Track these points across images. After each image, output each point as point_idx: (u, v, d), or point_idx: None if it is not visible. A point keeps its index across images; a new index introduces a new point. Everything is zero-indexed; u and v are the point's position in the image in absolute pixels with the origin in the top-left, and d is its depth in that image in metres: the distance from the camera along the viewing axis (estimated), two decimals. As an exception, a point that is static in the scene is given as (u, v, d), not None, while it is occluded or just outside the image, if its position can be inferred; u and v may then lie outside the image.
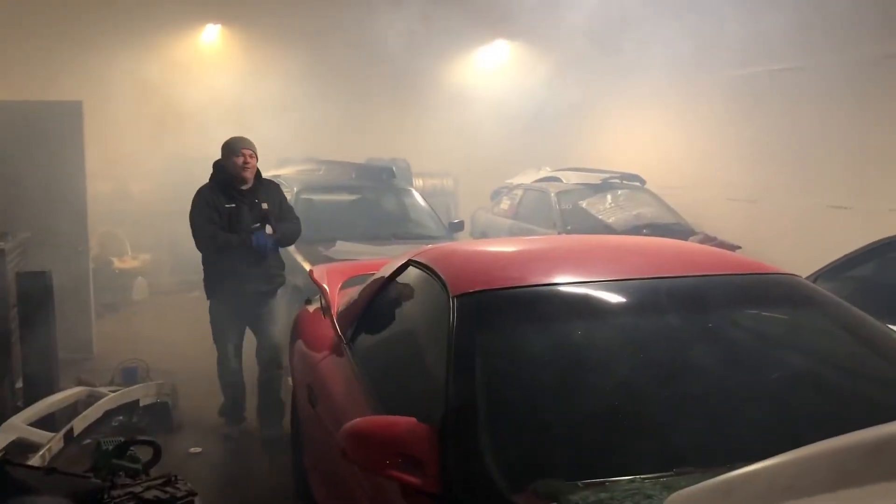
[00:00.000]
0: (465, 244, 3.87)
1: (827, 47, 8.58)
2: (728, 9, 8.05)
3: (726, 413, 2.09)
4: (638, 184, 9.61)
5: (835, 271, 4.49)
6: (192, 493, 3.25)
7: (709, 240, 8.42)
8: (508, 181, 10.90)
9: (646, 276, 2.52)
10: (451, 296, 2.42)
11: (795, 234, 8.46)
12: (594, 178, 9.53)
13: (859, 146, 8.22)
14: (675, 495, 1.30)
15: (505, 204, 10.37)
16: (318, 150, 10.40)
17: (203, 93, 11.40)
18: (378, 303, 3.08)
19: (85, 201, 6.72)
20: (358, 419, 2.07)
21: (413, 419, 2.09)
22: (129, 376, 5.38)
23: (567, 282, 2.48)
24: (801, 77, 8.96)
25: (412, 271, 2.93)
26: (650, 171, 10.07)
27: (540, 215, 9.15)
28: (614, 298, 2.43)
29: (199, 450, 4.69)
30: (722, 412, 2.09)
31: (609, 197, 9.04)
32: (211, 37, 13.45)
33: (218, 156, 5.19)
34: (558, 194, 9.22)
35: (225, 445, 4.85)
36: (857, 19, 7.61)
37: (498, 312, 2.36)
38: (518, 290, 2.44)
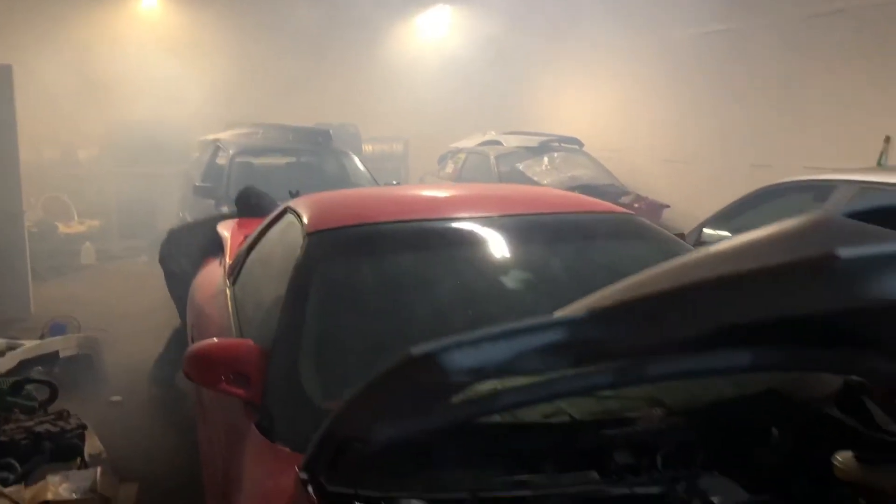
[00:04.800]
0: (343, 192, 4.06)
1: (757, 9, 8.82)
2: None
3: None
4: (576, 146, 9.85)
5: (719, 218, 4.79)
6: (82, 426, 3.48)
7: (639, 199, 8.70)
8: (453, 145, 11.08)
9: (485, 215, 2.73)
10: (304, 233, 2.64)
11: (721, 192, 8.73)
12: (533, 142, 9.75)
13: (783, 106, 8.49)
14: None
15: (449, 167, 10.56)
16: (265, 116, 10.51)
17: (144, 58, 11.43)
18: (257, 246, 3.29)
19: (17, 165, 6.82)
20: (199, 342, 2.29)
21: (249, 341, 2.31)
22: (58, 332, 5.53)
23: (406, 220, 2.69)
24: (732, 38, 9.19)
25: (287, 217, 3.13)
26: (589, 135, 10.30)
27: (480, 178, 9.36)
28: (447, 234, 2.64)
29: (119, 398, 4.88)
30: None
31: (546, 159, 9.26)
32: (150, 2, 13.35)
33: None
34: (497, 157, 9.43)
35: (148, 395, 5.05)
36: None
37: (340, 247, 2.57)
38: (359, 227, 2.64)
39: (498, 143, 10.18)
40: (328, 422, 1.54)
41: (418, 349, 1.15)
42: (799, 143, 8.13)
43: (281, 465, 1.83)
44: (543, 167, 9.10)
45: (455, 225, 2.66)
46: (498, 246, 2.60)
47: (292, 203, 3.20)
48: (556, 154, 9.41)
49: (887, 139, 6.62)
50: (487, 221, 2.70)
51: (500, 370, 1.17)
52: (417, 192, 3.39)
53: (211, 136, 9.28)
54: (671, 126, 10.30)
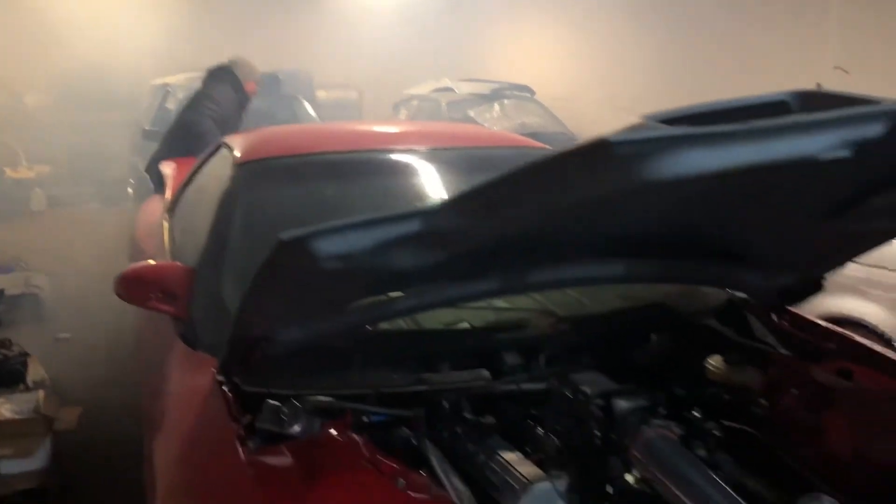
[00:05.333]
0: (278, 128, 4.17)
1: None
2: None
3: None
4: (527, 94, 9.97)
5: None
6: (24, 354, 3.60)
7: (587, 146, 8.87)
8: (406, 92, 11.13)
9: (410, 147, 2.88)
10: (234, 164, 2.77)
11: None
12: (485, 89, 9.85)
13: (738, 52, 8.68)
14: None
15: (402, 114, 10.63)
16: (216, 61, 10.39)
17: (92, 1, 11.20)
18: (193, 180, 3.41)
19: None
20: (131, 265, 2.42)
21: (177, 263, 2.46)
22: (4, 272, 5.59)
23: (329, 151, 2.84)
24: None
25: (221, 151, 3.25)
26: (541, 82, 10.42)
27: (432, 124, 9.47)
28: (367, 164, 2.78)
29: (67, 335, 4.99)
30: None
31: (497, 106, 9.39)
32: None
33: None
34: (449, 104, 9.52)
35: (95, 332, 5.16)
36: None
37: (266, 176, 2.70)
38: (286, 158, 2.78)
39: (451, 90, 10.25)
40: (233, 323, 1.69)
41: (287, 234, 1.30)
42: (739, 88, 8.34)
43: (202, 370, 1.99)
44: (494, 114, 9.23)
45: (376, 156, 2.81)
46: (421, 176, 2.75)
47: (227, 138, 3.31)
48: (506, 101, 9.53)
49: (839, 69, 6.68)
50: (411, 153, 2.85)
51: (366, 257, 1.33)
52: (347, 126, 3.52)
53: (160, 81, 9.21)
54: (622, 74, 10.46)
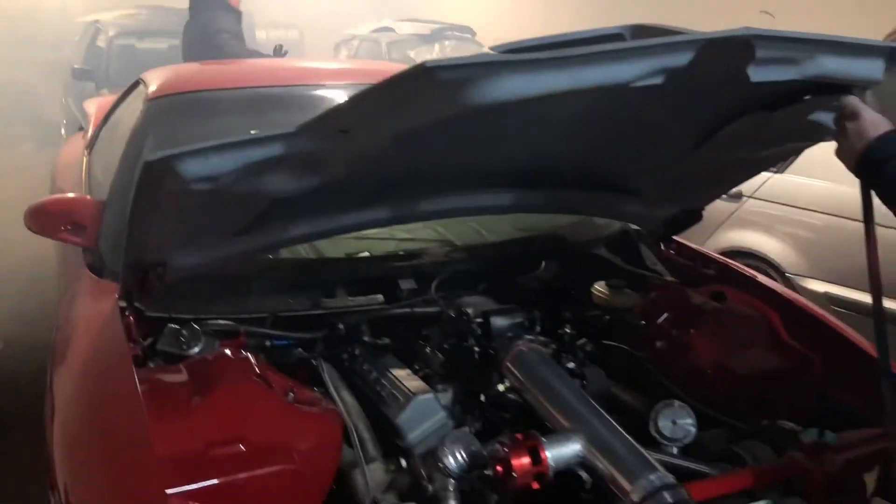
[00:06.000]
0: (195, 64, 4.16)
1: None
2: None
3: None
4: (468, 35, 9.96)
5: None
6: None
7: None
8: (347, 31, 11.00)
9: (319, 83, 2.93)
10: (146, 99, 2.80)
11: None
12: (426, 29, 9.81)
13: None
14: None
15: (343, 54, 10.53)
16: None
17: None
18: (111, 116, 3.43)
19: None
20: (41, 199, 2.46)
21: (87, 197, 2.51)
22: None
23: (240, 87, 2.88)
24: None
25: (138, 87, 3.26)
26: (482, 23, 10.40)
27: (372, 65, 9.42)
28: (275, 99, 2.83)
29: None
30: None
31: (437, 47, 9.38)
32: None
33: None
34: (389, 44, 9.47)
35: (20, 272, 5.14)
36: None
37: (176, 111, 2.74)
38: (196, 93, 2.82)
39: (392, 30, 10.17)
40: (124, 248, 1.76)
41: (152, 156, 1.37)
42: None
43: (105, 297, 2.06)
44: (434, 55, 9.21)
45: (289, 92, 2.86)
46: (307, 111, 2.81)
47: (144, 74, 3.31)
48: (447, 42, 9.52)
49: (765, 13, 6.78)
50: (325, 89, 2.90)
51: (235, 180, 1.41)
52: (263, 63, 3.56)
53: (91, 18, 8.97)
54: (563, 16, 10.47)
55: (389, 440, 1.82)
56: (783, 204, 3.51)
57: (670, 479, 1.41)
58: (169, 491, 1.37)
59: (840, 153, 1.41)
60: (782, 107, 1.53)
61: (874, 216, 1.47)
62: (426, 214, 2.04)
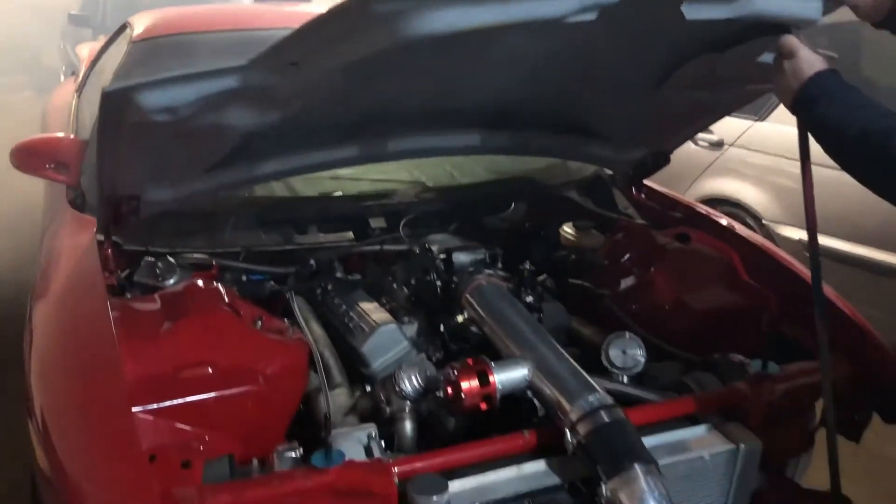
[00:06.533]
0: (186, 8, 4.18)
1: None
2: None
3: None
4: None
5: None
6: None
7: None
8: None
9: (281, 27, 2.95)
10: (130, 41, 2.84)
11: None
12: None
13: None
14: None
15: None
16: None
17: None
18: (100, 59, 3.47)
19: None
20: (26, 138, 2.53)
21: (70, 136, 2.56)
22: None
23: (224, 29, 2.91)
24: None
25: (126, 30, 3.29)
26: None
27: None
28: (257, 43, 2.85)
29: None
30: None
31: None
32: None
33: None
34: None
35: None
36: None
37: (156, 53, 2.77)
38: (178, 35, 2.85)
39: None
40: (97, 181, 1.81)
41: (111, 86, 1.43)
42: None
43: (84, 231, 2.12)
44: None
45: (268, 35, 2.87)
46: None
47: (132, 17, 3.34)
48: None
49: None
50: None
51: (195, 111, 1.46)
52: (251, 7, 3.58)
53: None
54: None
55: (357, 369, 1.91)
56: (761, 152, 3.55)
57: (609, 400, 1.49)
58: (135, 409, 1.45)
59: (777, 91, 1.45)
60: (729, 48, 1.58)
61: (810, 154, 1.52)
62: (394, 154, 2.09)
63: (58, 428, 1.41)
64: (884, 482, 2.86)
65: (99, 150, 1.66)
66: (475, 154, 2.25)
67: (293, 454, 1.48)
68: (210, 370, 1.60)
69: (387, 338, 1.88)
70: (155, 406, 1.50)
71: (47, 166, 2.44)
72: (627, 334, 1.83)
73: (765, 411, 1.68)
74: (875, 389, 1.83)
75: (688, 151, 3.88)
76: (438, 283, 1.96)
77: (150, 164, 1.79)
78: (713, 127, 3.84)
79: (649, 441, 1.53)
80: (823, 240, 3.28)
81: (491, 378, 1.56)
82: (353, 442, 1.55)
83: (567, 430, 1.46)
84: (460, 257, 1.97)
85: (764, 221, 3.48)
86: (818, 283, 1.58)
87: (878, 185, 1.33)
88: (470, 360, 1.59)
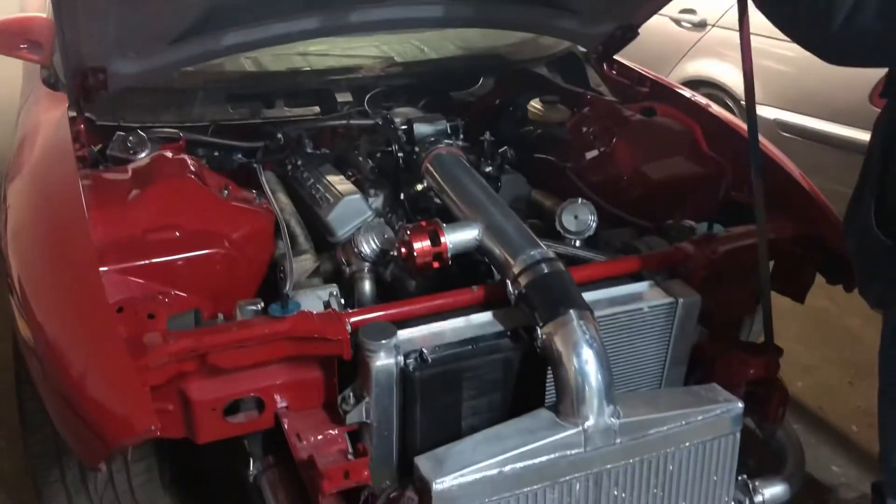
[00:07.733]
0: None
1: None
2: None
3: None
4: None
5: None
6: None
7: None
8: None
9: None
10: None
11: None
12: None
13: None
14: None
15: None
16: None
17: None
18: None
19: None
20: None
21: (42, 15, 2.56)
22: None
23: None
24: None
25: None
26: None
27: None
28: None
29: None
30: None
31: None
32: None
33: None
34: None
35: None
36: None
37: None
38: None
39: None
40: (61, 52, 1.83)
41: None
42: None
43: (56, 107, 2.15)
44: None
45: None
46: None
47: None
48: None
49: None
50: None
51: None
52: None
53: None
54: None
55: (325, 239, 1.98)
56: (734, 30, 3.52)
57: (550, 254, 1.56)
58: (103, 268, 1.52)
59: None
60: None
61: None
62: (357, 26, 2.10)
63: (34, 294, 1.48)
64: (843, 351, 2.99)
65: (56, 19, 1.68)
66: (439, 27, 2.26)
67: (255, 307, 1.56)
68: (176, 233, 1.68)
69: (351, 207, 1.95)
70: (122, 265, 1.59)
71: (21, 46, 2.45)
72: (580, 200, 1.89)
73: (707, 269, 1.75)
74: (819, 250, 1.90)
75: (670, 32, 3.86)
76: (400, 154, 2.01)
77: (111, 34, 1.80)
78: (697, 5, 3.80)
79: (592, 295, 1.61)
80: (799, 119, 3.34)
81: (442, 238, 1.63)
82: (314, 299, 1.63)
83: (509, 282, 1.54)
84: (421, 128, 2.01)
85: (742, 102, 3.49)
86: (755, 141, 1.64)
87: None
88: (423, 222, 1.66)
